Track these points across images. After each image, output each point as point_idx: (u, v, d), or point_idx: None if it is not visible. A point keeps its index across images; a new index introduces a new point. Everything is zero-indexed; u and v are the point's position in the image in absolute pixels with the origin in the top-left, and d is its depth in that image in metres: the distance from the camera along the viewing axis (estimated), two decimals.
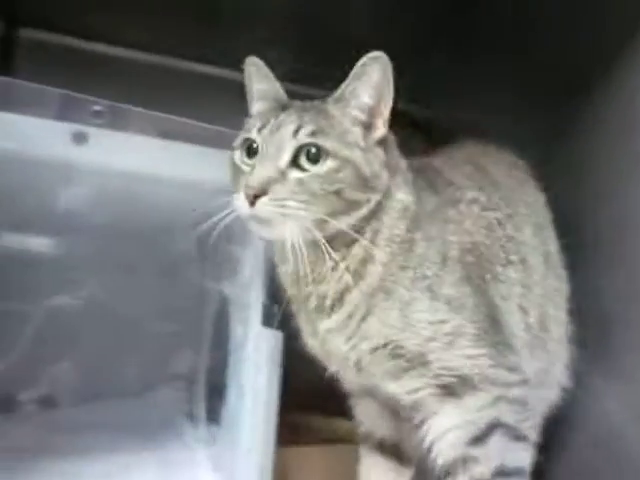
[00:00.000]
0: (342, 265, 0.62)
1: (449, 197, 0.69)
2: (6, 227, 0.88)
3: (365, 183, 0.61)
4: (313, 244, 0.59)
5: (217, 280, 0.88)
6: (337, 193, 0.60)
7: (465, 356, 0.62)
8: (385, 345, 0.62)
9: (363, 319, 0.63)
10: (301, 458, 0.81)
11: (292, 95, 0.75)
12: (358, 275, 0.63)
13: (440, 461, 0.62)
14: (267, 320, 0.66)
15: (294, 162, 0.60)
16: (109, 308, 1.02)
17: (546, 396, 0.76)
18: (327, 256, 0.60)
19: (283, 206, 0.58)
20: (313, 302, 0.64)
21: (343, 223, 0.60)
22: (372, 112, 0.64)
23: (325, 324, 0.64)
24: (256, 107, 0.70)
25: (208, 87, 1.24)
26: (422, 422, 0.64)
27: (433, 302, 0.62)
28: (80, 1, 1.10)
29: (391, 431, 0.76)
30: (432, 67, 1.13)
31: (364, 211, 0.62)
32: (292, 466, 0.78)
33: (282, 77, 1.30)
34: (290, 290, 0.66)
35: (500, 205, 0.73)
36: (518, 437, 0.62)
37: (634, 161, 0.77)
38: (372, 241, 0.63)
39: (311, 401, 0.89)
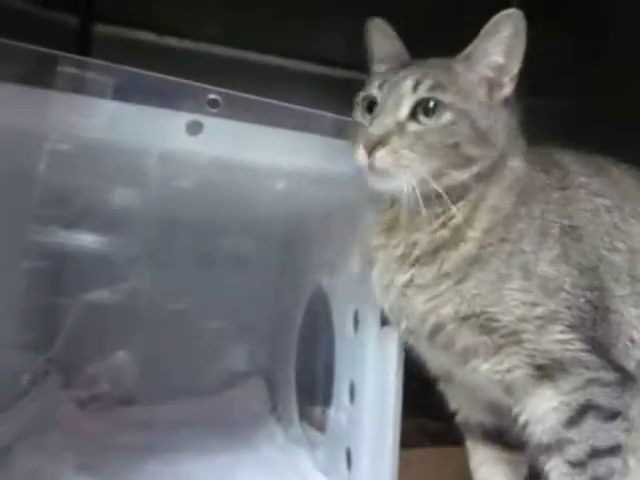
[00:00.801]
0: (442, 219, 0.63)
1: (556, 180, 0.67)
2: (60, 224, 0.88)
3: (483, 138, 0.63)
4: (423, 195, 0.60)
5: (313, 273, 0.86)
6: (454, 146, 0.61)
7: (557, 341, 0.61)
8: (479, 315, 0.62)
9: (459, 282, 0.62)
10: (410, 461, 0.78)
11: None
12: (456, 236, 0.63)
13: (535, 441, 0.62)
14: (386, 318, 0.63)
15: (413, 115, 0.62)
16: (183, 304, 1.02)
17: None
18: (430, 209, 0.61)
19: (400, 157, 0.59)
20: (400, 250, 0.64)
21: (458, 177, 0.61)
22: (501, 70, 0.65)
23: (406, 276, 0.64)
24: (377, 67, 0.72)
25: (285, 81, 1.22)
26: (515, 403, 0.63)
27: (526, 282, 0.61)
28: None
29: (488, 415, 0.74)
30: None
31: (478, 168, 0.63)
32: (400, 469, 0.75)
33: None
34: (376, 239, 0.66)
35: (612, 195, 0.69)
36: (611, 417, 0.61)
37: None
38: (476, 205, 0.63)
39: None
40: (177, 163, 0.66)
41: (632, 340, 0.65)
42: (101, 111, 0.59)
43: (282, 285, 1.04)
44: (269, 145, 0.65)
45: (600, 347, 0.63)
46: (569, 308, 0.61)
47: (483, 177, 0.63)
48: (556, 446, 0.61)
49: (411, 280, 0.64)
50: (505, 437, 0.72)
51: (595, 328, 0.63)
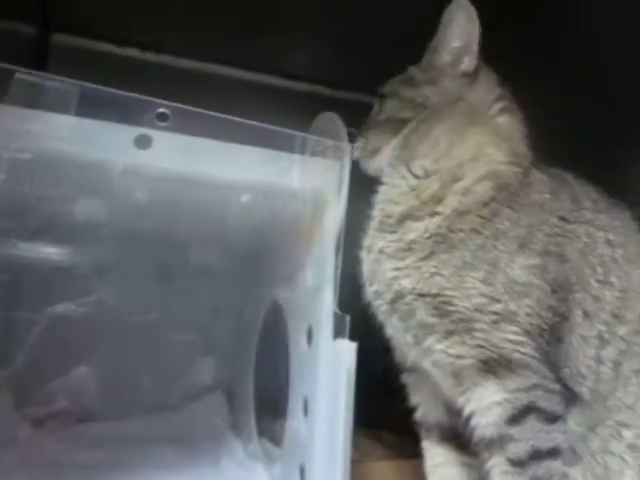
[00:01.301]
0: (415, 192, 0.69)
1: (564, 211, 0.69)
2: (23, 236, 0.86)
3: (410, 101, 0.75)
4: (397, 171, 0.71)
5: (269, 287, 0.85)
6: (389, 120, 0.76)
7: (509, 340, 0.63)
8: (435, 296, 0.64)
9: (422, 259, 0.65)
10: (367, 475, 0.78)
11: (332, 100, 0.79)
12: (425, 208, 0.68)
13: (479, 436, 0.64)
14: (340, 331, 0.62)
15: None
16: (123, 317, 1.00)
17: None
18: (404, 181, 0.70)
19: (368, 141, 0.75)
20: (379, 218, 0.72)
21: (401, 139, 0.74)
22: (460, 53, 0.73)
23: (381, 243, 0.70)
24: None
25: (246, 93, 1.21)
26: (463, 392, 0.65)
27: (491, 276, 0.63)
28: (115, 6, 1.08)
29: (445, 413, 0.75)
30: None
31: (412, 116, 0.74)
32: None
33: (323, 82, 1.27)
34: (373, 212, 0.73)
35: (618, 232, 0.70)
36: (552, 420, 0.63)
37: None
38: (448, 184, 0.68)
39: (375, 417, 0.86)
40: (129, 177, 0.66)
41: (582, 375, 0.65)
42: (54, 124, 0.58)
43: (242, 299, 1.04)
44: (220, 159, 0.65)
45: (551, 363, 0.64)
46: (529, 315, 0.63)
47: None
48: (498, 442, 0.62)
49: (382, 248, 0.69)
50: (461, 438, 0.72)
51: (550, 344, 0.64)
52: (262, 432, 0.89)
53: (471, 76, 0.73)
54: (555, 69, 0.98)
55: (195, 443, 0.94)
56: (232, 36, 1.17)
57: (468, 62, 0.73)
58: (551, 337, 0.64)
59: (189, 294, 1.03)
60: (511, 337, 0.62)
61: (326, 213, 0.68)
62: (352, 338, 0.63)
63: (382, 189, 0.74)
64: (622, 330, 0.66)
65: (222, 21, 1.15)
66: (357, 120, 0.81)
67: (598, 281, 0.67)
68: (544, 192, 0.68)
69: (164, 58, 1.24)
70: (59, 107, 0.58)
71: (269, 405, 0.87)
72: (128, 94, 0.60)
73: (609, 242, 0.69)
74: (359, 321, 0.72)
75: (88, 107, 0.59)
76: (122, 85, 0.67)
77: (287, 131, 0.66)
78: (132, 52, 1.22)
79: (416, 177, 0.71)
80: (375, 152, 0.75)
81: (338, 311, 0.64)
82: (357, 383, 0.62)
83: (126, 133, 0.60)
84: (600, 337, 0.65)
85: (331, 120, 0.74)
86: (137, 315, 1.00)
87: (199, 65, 1.25)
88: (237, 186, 0.70)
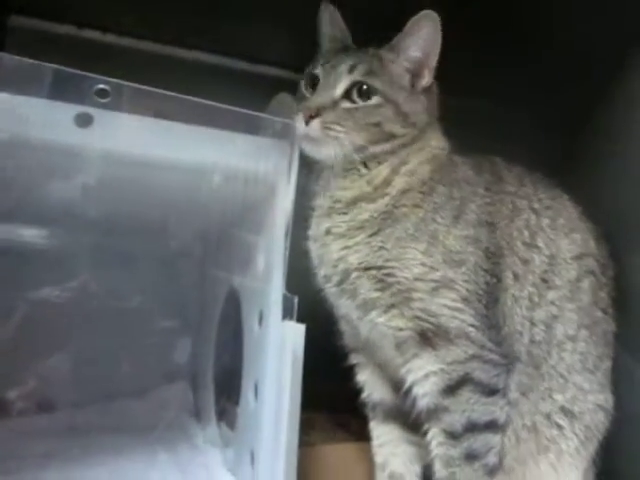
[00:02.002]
0: (366, 178, 0.71)
1: (485, 182, 0.75)
2: None
3: (405, 119, 0.72)
4: (349, 162, 0.70)
5: (227, 271, 0.84)
6: (377, 125, 0.70)
7: (446, 306, 0.66)
8: (379, 268, 0.68)
9: (371, 235, 0.69)
10: (315, 458, 0.78)
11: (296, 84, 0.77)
12: (376, 192, 0.71)
13: (418, 407, 0.67)
14: (288, 312, 0.62)
15: (347, 95, 0.71)
16: (106, 303, 0.98)
17: None
18: (356, 171, 0.71)
19: (329, 129, 0.68)
20: (327, 204, 0.72)
21: (379, 149, 0.71)
22: (420, 63, 0.73)
23: (327, 224, 0.72)
24: (324, 47, 0.80)
25: (208, 76, 1.20)
26: (404, 364, 0.68)
27: (431, 247, 0.68)
28: None
29: (390, 391, 0.78)
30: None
31: (400, 141, 0.72)
32: (306, 466, 0.75)
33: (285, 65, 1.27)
34: (316, 200, 0.74)
35: (543, 201, 0.76)
36: (489, 393, 0.65)
37: None
38: (397, 168, 0.72)
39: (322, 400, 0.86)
40: (70, 156, 0.64)
41: (519, 332, 0.69)
42: None
43: (205, 284, 1.03)
44: (167, 139, 0.63)
45: (490, 327, 0.67)
46: (467, 282, 0.67)
47: (406, 147, 0.72)
48: (435, 414, 0.65)
49: (330, 228, 0.72)
50: (406, 417, 0.73)
51: (488, 307, 0.68)
52: (221, 417, 0.88)
53: (426, 90, 0.75)
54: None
55: (155, 429, 0.93)
56: (195, 19, 1.15)
57: (428, 77, 0.74)
58: (489, 300, 0.68)
59: (149, 281, 1.02)
60: (450, 304, 0.66)
61: (276, 195, 0.67)
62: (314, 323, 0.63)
63: (327, 176, 0.73)
64: (552, 295, 0.71)
65: (185, 3, 1.13)
66: None
67: (524, 243, 0.72)
68: (467, 170, 0.75)
69: (126, 41, 1.21)
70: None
71: (227, 389, 0.86)
72: (65, 69, 0.58)
73: (534, 210, 0.75)
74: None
75: (26, 83, 0.57)
76: (82, 68, 0.66)
77: (235, 109, 0.65)
78: (93, 34, 1.19)
79: (369, 167, 0.72)
80: (331, 140, 0.69)
81: (287, 293, 0.63)
82: (320, 367, 0.63)
83: (65, 111, 0.58)
84: (530, 299, 0.70)
85: (284, 101, 0.73)
86: (110, 301, 0.99)
87: (162, 48, 1.23)
88: (188, 167, 0.68)
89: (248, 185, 0.70)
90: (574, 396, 0.70)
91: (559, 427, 0.69)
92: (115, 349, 1.00)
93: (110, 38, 1.21)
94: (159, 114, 0.63)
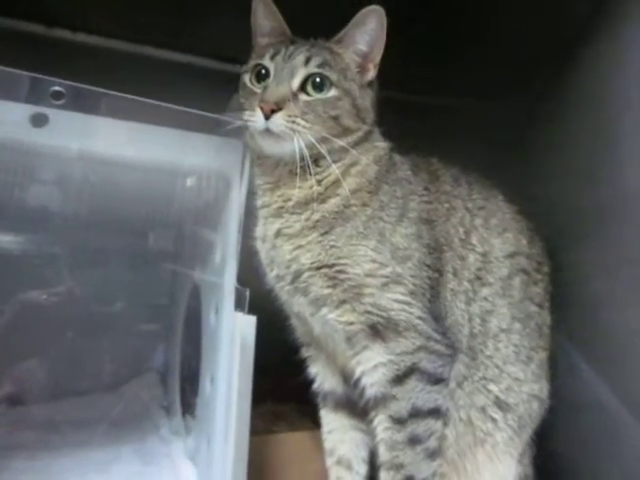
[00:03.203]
0: (317, 177, 0.71)
1: (423, 181, 0.77)
2: None
3: (358, 113, 0.72)
4: (308, 157, 0.68)
5: (189, 268, 0.87)
6: (336, 118, 0.70)
7: (396, 300, 0.68)
8: (331, 266, 0.69)
9: (323, 235, 0.70)
10: (277, 446, 0.80)
11: None
12: (329, 192, 0.71)
13: (367, 396, 0.69)
14: (239, 304, 0.64)
15: (302, 87, 0.69)
16: (80, 301, 1.00)
17: None
18: (308, 169, 0.69)
19: (294, 122, 0.66)
20: (277, 204, 0.72)
21: (337, 145, 0.69)
22: (366, 57, 0.73)
23: (277, 225, 0.71)
24: (261, 41, 0.78)
25: (176, 75, 1.21)
26: (354, 355, 0.70)
27: (380, 244, 0.69)
28: None
29: (340, 381, 0.80)
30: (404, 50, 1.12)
31: (354, 138, 0.72)
32: (268, 454, 0.77)
33: None
34: (263, 199, 0.73)
35: (476, 201, 0.79)
36: (435, 381, 0.68)
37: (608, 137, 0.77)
38: (348, 169, 0.72)
39: (285, 391, 0.89)
40: (27, 155, 0.66)
41: (460, 324, 0.72)
42: None
43: (174, 280, 1.05)
44: (121, 138, 0.65)
45: (436, 318, 0.70)
46: (413, 277, 0.70)
47: (357, 146, 0.72)
48: (382, 401, 0.68)
49: (281, 230, 0.71)
50: (355, 406, 0.76)
51: (432, 300, 0.71)
52: (185, 408, 0.91)
53: (370, 86, 0.75)
54: None
55: (124, 422, 0.95)
56: (164, 17, 1.16)
57: (373, 72, 0.74)
58: (432, 293, 0.71)
59: (121, 280, 1.03)
60: (399, 297, 0.68)
61: (231, 192, 0.70)
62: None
63: (278, 174, 0.72)
64: (485, 291, 0.74)
65: (155, 3, 1.14)
66: None
67: (460, 240, 0.75)
68: (406, 169, 0.76)
69: (96, 39, 1.22)
70: None
71: (191, 382, 0.88)
72: (22, 72, 0.60)
73: (468, 209, 0.77)
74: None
75: None
76: (52, 67, 0.67)
77: (189, 110, 0.67)
78: (62, 33, 1.20)
79: (320, 166, 0.71)
80: (294, 133, 0.66)
81: (239, 286, 0.66)
82: (267, 360, 0.65)
83: (21, 111, 0.60)
84: (466, 294, 0.73)
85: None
86: (86, 300, 1.00)
87: (132, 47, 1.24)
88: (145, 166, 0.70)
89: (204, 182, 0.72)
90: (509, 386, 0.73)
91: (493, 420, 0.72)
92: (92, 349, 1.02)
93: (80, 37, 1.22)
94: (115, 115, 0.65)
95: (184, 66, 1.26)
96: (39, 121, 0.61)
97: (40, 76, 0.61)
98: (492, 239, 0.76)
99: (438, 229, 0.74)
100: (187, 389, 0.92)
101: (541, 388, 0.76)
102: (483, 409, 0.72)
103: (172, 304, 1.01)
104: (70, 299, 0.99)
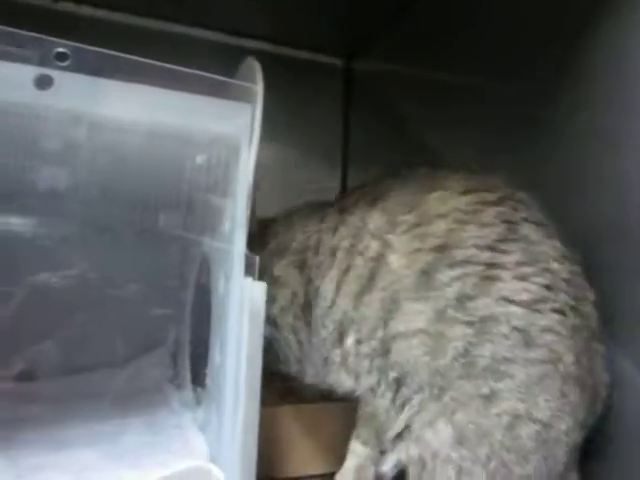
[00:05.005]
0: None
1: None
2: None
3: None
4: None
5: (199, 237, 0.85)
6: None
7: None
8: None
9: None
10: (288, 418, 0.80)
11: (271, 56, 0.76)
12: None
13: None
14: (249, 270, 0.63)
15: None
16: (92, 283, 0.99)
17: None
18: None
19: None
20: None
21: None
22: None
23: None
24: None
25: (182, 49, 1.20)
26: None
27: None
28: None
29: None
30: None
31: None
32: (279, 426, 0.76)
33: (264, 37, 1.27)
34: None
35: None
36: None
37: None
38: None
39: None
40: (33, 122, 0.64)
41: None
42: None
43: (184, 250, 1.03)
44: (128, 101, 0.64)
45: None
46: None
47: None
48: None
49: None
50: None
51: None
52: (196, 380, 0.90)
53: None
54: None
55: (134, 396, 0.95)
56: None
57: None
58: None
59: (131, 252, 1.02)
60: None
61: (239, 158, 0.68)
62: None
63: None
64: None
65: None
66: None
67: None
68: None
69: (102, 13, 1.21)
70: None
71: (200, 353, 0.88)
72: (24, 32, 0.59)
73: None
74: None
75: None
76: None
77: (198, 73, 0.65)
78: (67, 6, 1.19)
79: None
80: None
81: (249, 253, 0.64)
82: None
83: (24, 72, 0.58)
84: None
85: (248, 64, 0.74)
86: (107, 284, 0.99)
87: (137, 20, 1.23)
88: (152, 131, 0.68)
89: (213, 147, 0.70)
90: None
91: None
92: (104, 328, 1.01)
93: (85, 10, 1.21)
94: (121, 77, 0.63)
95: (190, 39, 1.25)
96: (43, 83, 0.60)
97: (43, 37, 0.60)
98: None
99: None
100: (198, 361, 0.92)
101: None
102: None
103: (182, 274, 1.00)
104: (82, 280, 0.98)
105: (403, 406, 0.64)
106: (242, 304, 0.61)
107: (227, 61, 0.88)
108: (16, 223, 0.90)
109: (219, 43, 1.27)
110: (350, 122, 1.39)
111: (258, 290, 0.61)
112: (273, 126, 0.72)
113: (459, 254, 0.62)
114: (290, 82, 1.25)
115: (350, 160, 1.38)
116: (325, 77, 1.38)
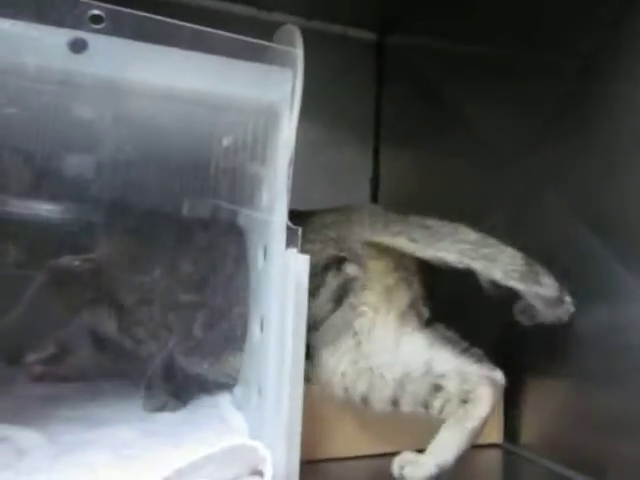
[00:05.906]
0: None
1: None
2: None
3: None
4: None
5: (232, 208, 0.82)
6: None
7: None
8: None
9: None
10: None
11: (302, 31, 0.73)
12: None
13: None
14: (292, 242, 0.60)
15: None
16: (118, 268, 0.97)
17: None
18: None
19: None
20: None
21: None
22: None
23: None
24: None
25: (215, 23, 1.17)
26: None
27: None
28: None
29: None
30: None
31: None
32: (325, 403, 0.74)
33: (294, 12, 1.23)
34: None
35: None
36: None
37: None
38: None
39: None
40: (66, 84, 0.62)
41: None
42: None
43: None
44: (166, 66, 0.61)
45: None
46: None
47: None
48: None
49: None
50: None
51: None
52: None
53: None
54: None
55: None
56: None
57: None
58: None
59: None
60: None
61: (279, 126, 0.65)
62: None
63: None
64: None
65: None
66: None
67: None
68: None
69: None
70: None
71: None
72: None
73: None
74: None
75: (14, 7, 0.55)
76: None
77: (235, 36, 0.63)
78: None
79: None
80: None
81: (290, 224, 0.62)
82: None
83: (58, 35, 0.56)
84: None
85: (288, 30, 0.71)
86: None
87: None
88: (189, 97, 0.65)
89: (251, 114, 0.67)
90: None
91: None
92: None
93: None
94: (157, 41, 0.60)
95: (221, 14, 1.22)
96: (78, 47, 0.57)
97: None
98: None
99: None
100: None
101: None
102: None
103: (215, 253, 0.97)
104: (107, 265, 0.96)
105: None
106: (286, 277, 0.59)
107: (258, 37, 0.86)
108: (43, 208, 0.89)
109: (250, 17, 1.24)
110: (382, 97, 1.35)
111: (302, 262, 0.59)
112: (303, 101, 0.69)
113: None
114: (322, 57, 1.21)
115: (382, 136, 1.35)
116: (358, 52, 1.34)
